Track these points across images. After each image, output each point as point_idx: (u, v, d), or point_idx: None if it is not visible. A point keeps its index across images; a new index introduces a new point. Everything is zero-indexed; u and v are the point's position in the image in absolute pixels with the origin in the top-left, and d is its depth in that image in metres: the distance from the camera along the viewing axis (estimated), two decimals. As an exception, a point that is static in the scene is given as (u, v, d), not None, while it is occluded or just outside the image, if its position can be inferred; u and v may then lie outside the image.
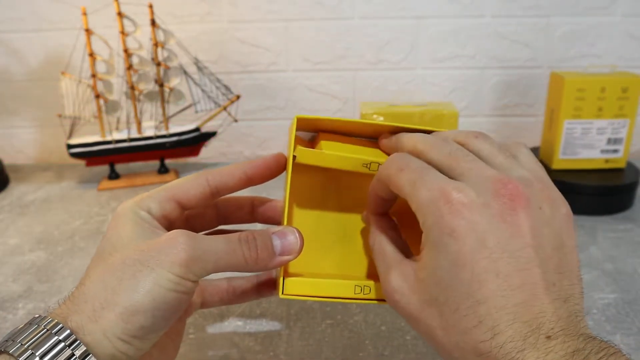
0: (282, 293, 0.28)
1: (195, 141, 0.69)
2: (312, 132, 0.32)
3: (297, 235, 0.28)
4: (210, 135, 0.70)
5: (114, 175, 0.69)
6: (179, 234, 0.25)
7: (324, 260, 0.32)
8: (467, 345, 0.21)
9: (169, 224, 0.28)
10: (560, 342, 0.20)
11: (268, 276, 0.34)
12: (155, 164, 0.72)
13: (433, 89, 0.76)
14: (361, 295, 0.28)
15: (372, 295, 0.29)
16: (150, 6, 0.63)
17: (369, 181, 0.30)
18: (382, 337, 0.38)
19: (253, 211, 0.34)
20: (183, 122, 0.69)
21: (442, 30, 0.72)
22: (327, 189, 0.33)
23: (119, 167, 0.71)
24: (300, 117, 0.29)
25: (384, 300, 0.28)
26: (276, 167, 0.31)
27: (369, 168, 0.29)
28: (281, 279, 0.28)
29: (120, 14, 0.62)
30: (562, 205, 0.24)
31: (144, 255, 0.25)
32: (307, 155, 0.29)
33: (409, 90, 0.76)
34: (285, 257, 0.28)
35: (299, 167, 0.30)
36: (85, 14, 0.61)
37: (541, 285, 0.21)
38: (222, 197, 0.32)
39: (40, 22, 0.72)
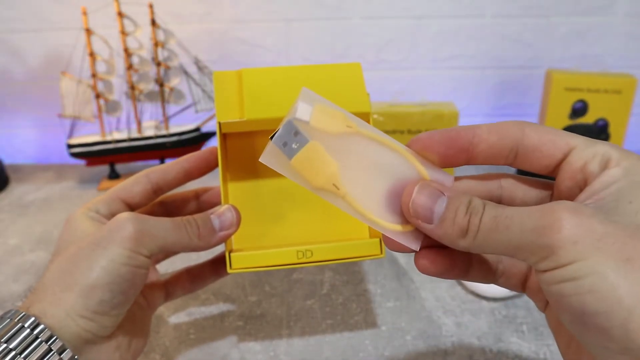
0: (230, 268, 0.30)
1: (195, 141, 0.69)
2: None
3: (233, 211, 0.30)
4: (210, 135, 0.70)
5: (114, 175, 0.69)
6: (125, 215, 0.27)
7: (267, 233, 0.34)
8: None
9: None
10: None
11: (222, 254, 0.36)
12: (155, 164, 0.72)
13: (433, 89, 0.76)
14: (304, 260, 0.30)
15: (314, 258, 0.30)
16: (151, 6, 0.62)
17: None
18: (382, 337, 0.38)
19: (199, 202, 0.36)
20: (183, 122, 0.69)
21: (442, 30, 0.72)
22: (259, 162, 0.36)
23: (119, 167, 0.71)
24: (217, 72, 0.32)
25: (325, 261, 0.30)
26: (213, 159, 0.33)
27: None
28: (227, 255, 0.30)
29: (120, 14, 0.62)
30: None
31: (96, 238, 0.26)
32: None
33: (409, 90, 0.76)
34: (225, 232, 0.29)
35: (230, 147, 0.33)
36: (85, 13, 0.61)
37: None
38: (168, 194, 0.35)
39: (40, 22, 0.72)
